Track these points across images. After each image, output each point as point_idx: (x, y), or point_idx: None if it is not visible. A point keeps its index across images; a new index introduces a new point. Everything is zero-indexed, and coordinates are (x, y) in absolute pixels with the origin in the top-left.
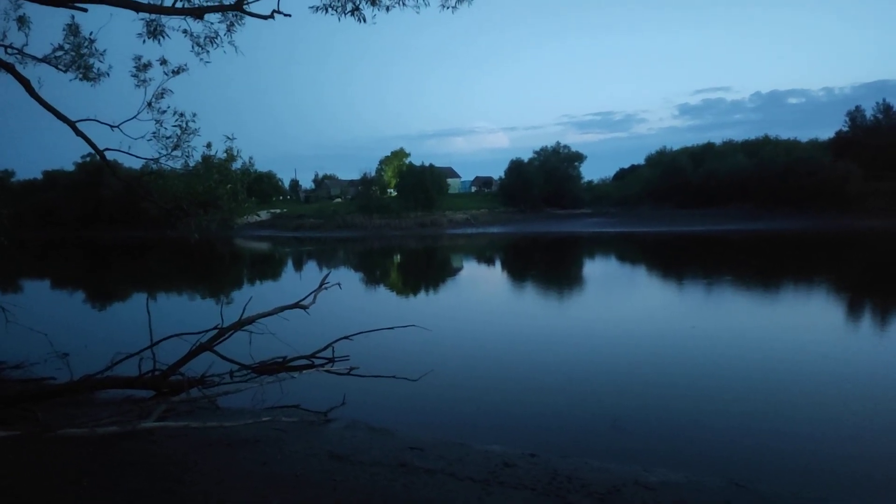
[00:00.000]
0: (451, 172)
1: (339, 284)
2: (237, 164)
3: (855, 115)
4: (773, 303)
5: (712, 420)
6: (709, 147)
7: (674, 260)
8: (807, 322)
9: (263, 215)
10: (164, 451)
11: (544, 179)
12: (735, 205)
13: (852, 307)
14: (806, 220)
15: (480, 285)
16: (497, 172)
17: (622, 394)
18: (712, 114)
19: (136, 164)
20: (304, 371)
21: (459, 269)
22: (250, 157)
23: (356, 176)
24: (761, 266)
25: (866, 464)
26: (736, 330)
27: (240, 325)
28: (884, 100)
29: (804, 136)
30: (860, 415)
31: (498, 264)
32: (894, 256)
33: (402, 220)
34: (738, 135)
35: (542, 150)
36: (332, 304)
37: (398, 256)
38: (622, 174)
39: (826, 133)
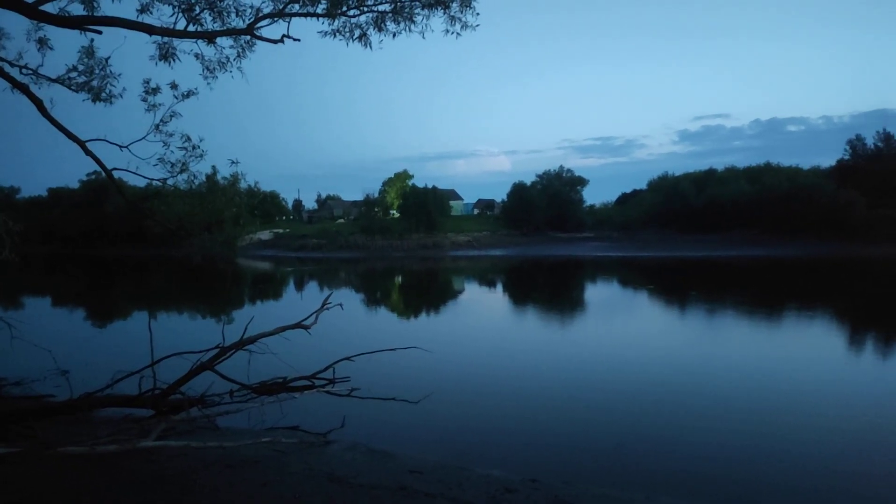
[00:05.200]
0: (453, 195)
1: (340, 305)
2: (242, 186)
3: (856, 144)
4: (777, 329)
5: (716, 445)
6: (711, 173)
7: (677, 285)
8: (809, 348)
9: (266, 235)
10: (164, 470)
11: (546, 203)
12: (738, 231)
13: (854, 334)
14: (811, 247)
15: (482, 308)
16: (499, 195)
17: (625, 418)
18: (712, 140)
19: (143, 183)
20: (305, 392)
21: (461, 291)
22: (256, 182)
23: (359, 197)
24: (766, 293)
25: (872, 492)
26: (738, 356)
27: (241, 344)
28: (884, 128)
29: (804, 163)
30: (865, 441)
31: (500, 287)
32: None
33: (405, 241)
34: (738, 161)
35: (544, 173)
36: (333, 325)
37: (400, 278)
38: (624, 199)
39: (826, 161)
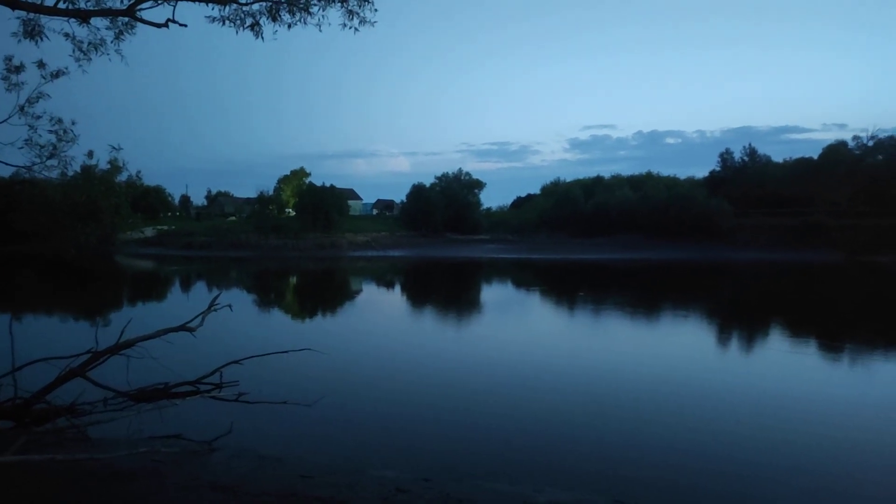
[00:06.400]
0: (352, 194)
1: (230, 306)
2: (123, 176)
3: (726, 157)
4: (652, 325)
5: (600, 439)
6: (598, 180)
7: (566, 286)
8: (684, 343)
9: (149, 232)
10: (26, 487)
11: (445, 205)
12: (623, 235)
13: (722, 329)
14: (685, 251)
15: (379, 309)
16: (398, 196)
17: (514, 415)
18: (600, 149)
19: (6, 173)
20: (188, 398)
21: (358, 292)
22: (138, 171)
23: (253, 194)
24: (644, 293)
25: (742, 481)
26: (622, 352)
27: (117, 348)
28: (749, 144)
29: (681, 173)
30: (740, 433)
31: (397, 288)
32: (757, 284)
33: (301, 241)
34: (623, 169)
35: (443, 175)
36: (222, 328)
37: (294, 278)
38: (519, 202)
39: (700, 171)
